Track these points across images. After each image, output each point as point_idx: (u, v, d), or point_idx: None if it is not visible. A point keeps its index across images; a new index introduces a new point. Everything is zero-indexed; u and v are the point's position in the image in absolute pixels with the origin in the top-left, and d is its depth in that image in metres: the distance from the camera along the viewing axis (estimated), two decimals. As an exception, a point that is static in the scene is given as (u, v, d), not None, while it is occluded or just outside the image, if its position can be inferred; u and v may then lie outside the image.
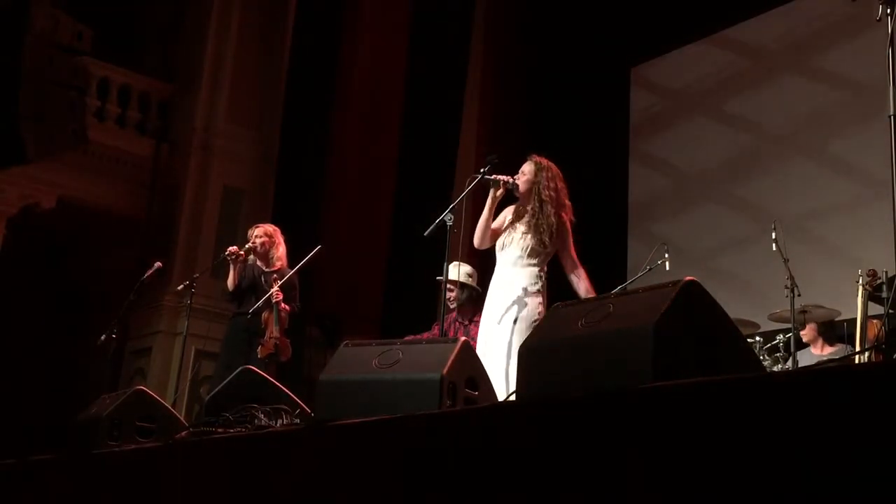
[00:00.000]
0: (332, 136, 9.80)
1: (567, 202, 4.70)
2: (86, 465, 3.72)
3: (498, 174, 4.64)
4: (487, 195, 4.68)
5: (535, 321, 4.28)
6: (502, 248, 4.64)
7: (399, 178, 9.78)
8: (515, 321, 4.41)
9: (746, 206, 8.33)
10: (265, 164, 9.77)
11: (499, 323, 4.48)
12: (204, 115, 9.70)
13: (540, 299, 4.50)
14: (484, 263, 5.08)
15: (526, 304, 4.46)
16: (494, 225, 4.68)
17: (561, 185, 4.68)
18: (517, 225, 4.64)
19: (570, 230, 4.66)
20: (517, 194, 4.69)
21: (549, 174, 4.66)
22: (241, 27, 9.91)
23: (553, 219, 4.56)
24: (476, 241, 4.69)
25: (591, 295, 4.45)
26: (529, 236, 4.56)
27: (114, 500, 3.47)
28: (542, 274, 4.57)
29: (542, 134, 9.18)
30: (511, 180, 4.64)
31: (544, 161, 4.72)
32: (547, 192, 4.60)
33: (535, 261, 4.55)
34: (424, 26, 9.99)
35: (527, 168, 4.70)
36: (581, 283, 4.61)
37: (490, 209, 4.63)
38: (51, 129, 7.58)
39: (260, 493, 2.83)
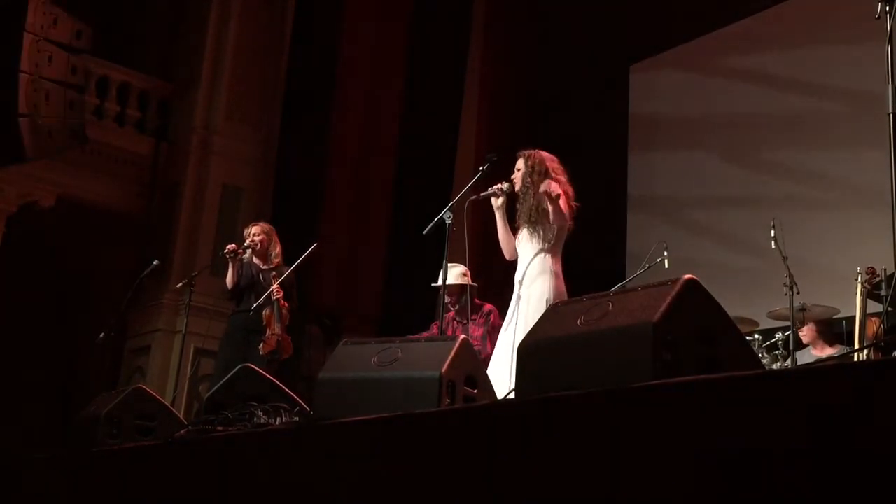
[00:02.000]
0: (331, 135, 9.79)
1: (557, 176, 4.68)
2: (85, 463, 3.72)
3: (490, 185, 4.75)
4: (491, 209, 4.80)
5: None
6: (519, 245, 4.74)
7: (399, 177, 9.79)
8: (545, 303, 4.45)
9: (745, 204, 8.33)
10: (265, 163, 9.76)
11: (522, 317, 4.54)
12: (203, 114, 9.69)
13: (559, 280, 4.58)
14: (483, 260, 5.09)
15: (550, 288, 4.54)
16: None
17: (547, 165, 4.72)
18: (521, 221, 4.75)
19: (555, 197, 4.52)
20: (517, 193, 4.78)
21: (535, 159, 4.75)
22: (241, 26, 9.89)
23: (532, 199, 4.64)
24: (506, 255, 4.81)
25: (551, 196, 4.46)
26: (532, 226, 4.66)
27: (113, 498, 3.47)
28: (556, 259, 4.62)
29: (541, 133, 9.18)
30: (503, 186, 4.74)
31: (528, 151, 4.81)
32: (529, 179, 4.70)
33: (548, 245, 4.62)
34: (424, 26, 9.99)
35: (517, 164, 4.82)
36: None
37: (502, 221, 4.77)
38: (50, 127, 7.59)
39: (259, 491, 2.83)
